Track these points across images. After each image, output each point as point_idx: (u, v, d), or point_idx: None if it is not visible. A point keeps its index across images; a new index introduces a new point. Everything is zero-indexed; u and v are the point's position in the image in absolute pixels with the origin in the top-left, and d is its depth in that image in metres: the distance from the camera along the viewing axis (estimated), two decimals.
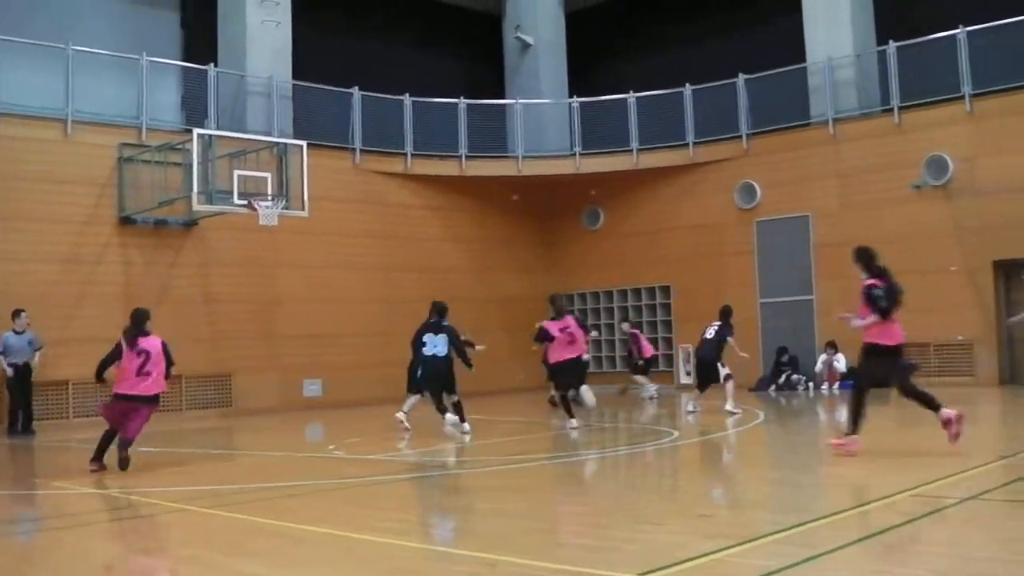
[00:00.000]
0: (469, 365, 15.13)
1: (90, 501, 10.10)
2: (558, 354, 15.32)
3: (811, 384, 22.48)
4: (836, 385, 21.79)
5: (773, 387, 22.75)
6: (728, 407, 16.92)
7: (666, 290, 26.02)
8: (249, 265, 21.97)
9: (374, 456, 13.39)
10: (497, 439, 15.28)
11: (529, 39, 28.12)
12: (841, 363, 21.88)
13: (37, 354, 18.51)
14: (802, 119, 23.79)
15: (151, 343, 11.90)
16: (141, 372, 11.73)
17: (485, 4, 29.14)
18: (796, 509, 8.02)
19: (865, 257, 11.01)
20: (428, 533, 7.90)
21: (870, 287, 10.70)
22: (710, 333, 17.66)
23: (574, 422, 15.20)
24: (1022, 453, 10.86)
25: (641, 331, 23.50)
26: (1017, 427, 15.39)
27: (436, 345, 14.78)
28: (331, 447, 14.54)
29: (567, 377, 15.67)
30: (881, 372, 10.99)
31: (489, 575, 6.27)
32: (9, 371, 18.22)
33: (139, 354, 11.75)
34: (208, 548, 7.24)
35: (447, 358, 14.83)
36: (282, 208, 19.45)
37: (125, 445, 11.62)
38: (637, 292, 26.53)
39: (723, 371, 17.30)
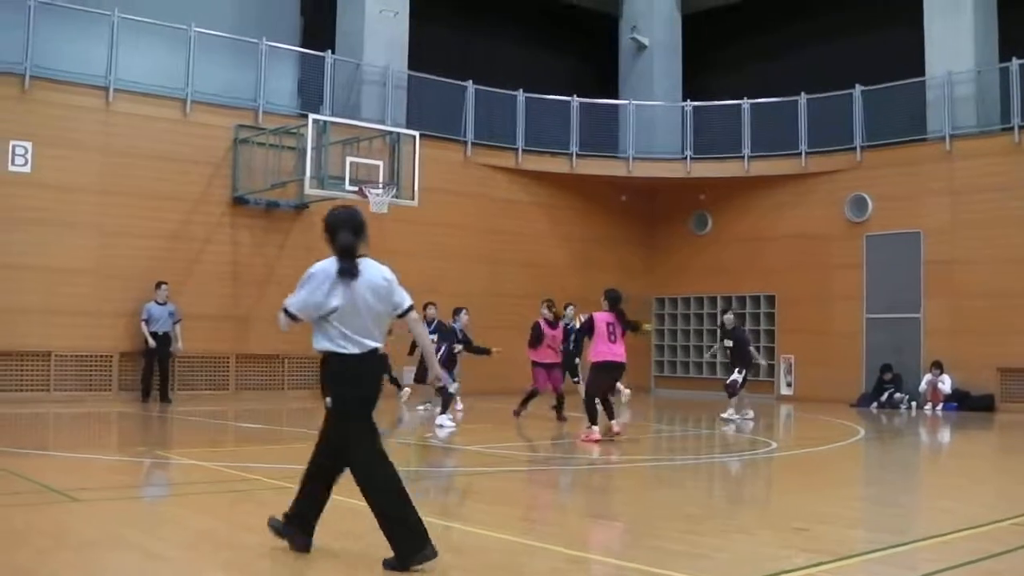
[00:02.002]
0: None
1: (189, 472, 10.32)
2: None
3: (914, 403, 22.00)
4: (940, 406, 21.32)
5: (875, 404, 22.33)
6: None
7: (770, 299, 25.69)
8: None
9: (470, 447, 13.48)
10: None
11: (645, 40, 28.00)
12: (946, 384, 21.41)
13: (177, 326, 19.34)
14: (918, 133, 23.29)
15: (559, 327, 17.22)
16: (548, 346, 16.93)
17: (602, 3, 29.06)
18: (893, 529, 7.90)
19: (610, 298, 13.94)
20: (522, 527, 7.92)
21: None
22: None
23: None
24: None
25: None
26: None
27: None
28: (427, 435, 14.65)
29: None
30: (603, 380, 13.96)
31: (576, 572, 6.30)
32: (151, 340, 18.97)
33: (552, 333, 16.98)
34: None
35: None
36: (392, 196, 19.67)
37: (558, 400, 17.08)
38: (741, 300, 26.18)
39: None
